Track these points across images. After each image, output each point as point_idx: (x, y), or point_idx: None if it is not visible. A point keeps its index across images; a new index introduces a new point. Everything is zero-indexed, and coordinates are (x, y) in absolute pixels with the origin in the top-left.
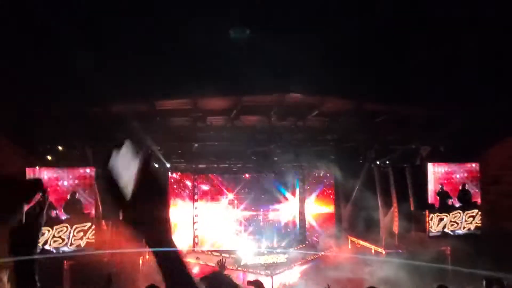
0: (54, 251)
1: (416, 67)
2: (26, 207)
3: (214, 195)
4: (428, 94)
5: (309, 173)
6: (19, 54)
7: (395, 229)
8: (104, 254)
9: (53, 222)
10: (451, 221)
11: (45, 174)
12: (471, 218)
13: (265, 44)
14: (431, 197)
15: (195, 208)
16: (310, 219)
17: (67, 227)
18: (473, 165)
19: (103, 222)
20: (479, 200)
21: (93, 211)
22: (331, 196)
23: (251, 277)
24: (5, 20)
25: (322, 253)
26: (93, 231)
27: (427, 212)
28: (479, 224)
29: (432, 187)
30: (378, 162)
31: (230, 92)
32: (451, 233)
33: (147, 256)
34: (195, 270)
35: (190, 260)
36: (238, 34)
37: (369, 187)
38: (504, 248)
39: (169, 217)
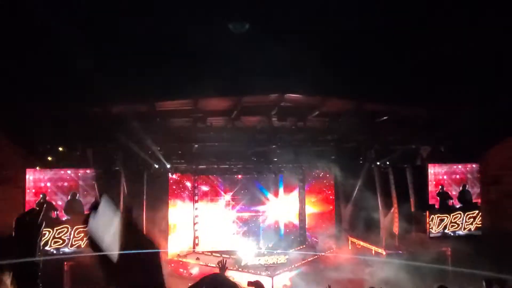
0: (55, 252)
1: (416, 67)
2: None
3: (214, 196)
4: (428, 94)
5: (309, 173)
6: (19, 54)
7: (396, 229)
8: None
9: (54, 223)
10: (451, 222)
11: (45, 175)
12: (472, 219)
13: (265, 44)
14: (432, 198)
15: (196, 209)
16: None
17: (67, 228)
18: (474, 165)
19: None
20: (479, 201)
21: None
22: (331, 197)
23: (252, 278)
24: (5, 20)
25: (323, 253)
26: None
27: (427, 213)
28: (480, 225)
29: (432, 187)
30: (378, 163)
31: (230, 93)
32: (452, 234)
33: None
34: (196, 271)
35: (190, 261)
36: (237, 28)
37: (369, 187)
38: (505, 249)
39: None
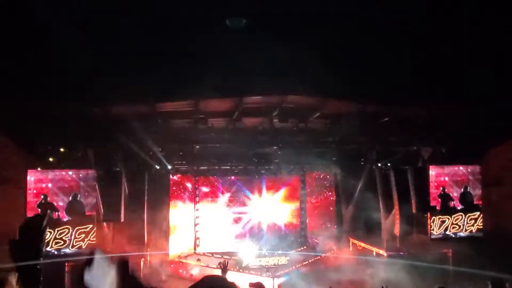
0: (56, 252)
1: (416, 67)
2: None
3: (214, 197)
4: (428, 94)
5: (310, 174)
6: (19, 54)
7: (397, 231)
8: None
9: (55, 224)
10: (452, 224)
11: (47, 176)
12: (473, 221)
13: (265, 45)
14: (433, 199)
15: (197, 209)
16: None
17: (68, 228)
18: (475, 167)
19: (105, 223)
20: (480, 202)
21: (94, 213)
22: (331, 198)
23: (253, 279)
24: (5, 20)
25: (324, 255)
26: (95, 233)
27: (428, 214)
28: (481, 227)
29: (433, 189)
30: (379, 164)
31: (232, 94)
32: (453, 236)
33: (148, 258)
34: (196, 272)
35: (191, 262)
36: (235, 24)
37: (370, 189)
38: (507, 250)
39: None
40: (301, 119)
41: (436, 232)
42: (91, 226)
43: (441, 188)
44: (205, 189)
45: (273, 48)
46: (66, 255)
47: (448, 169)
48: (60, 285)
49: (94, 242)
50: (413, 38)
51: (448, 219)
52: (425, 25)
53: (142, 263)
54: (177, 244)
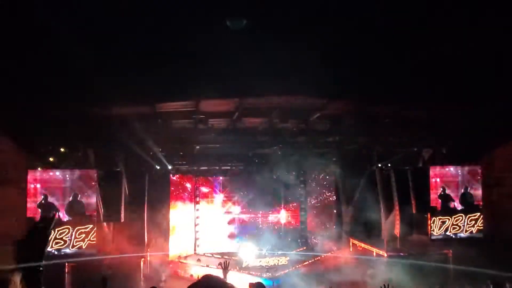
0: (56, 253)
1: (417, 68)
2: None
3: (214, 197)
4: (429, 95)
5: (311, 175)
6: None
7: (397, 232)
8: (105, 255)
9: (55, 224)
10: (453, 224)
11: (47, 176)
12: (473, 221)
13: (266, 46)
14: (433, 200)
15: (197, 210)
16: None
17: (68, 229)
18: (475, 167)
19: (105, 224)
20: (481, 203)
21: (95, 213)
22: (331, 199)
23: (253, 280)
24: (5, 20)
25: (324, 255)
26: (95, 233)
27: (429, 215)
28: (481, 227)
29: (434, 190)
30: (380, 165)
31: (232, 94)
32: (453, 236)
33: (148, 258)
34: (196, 272)
35: (191, 262)
36: (235, 25)
37: (370, 189)
38: (507, 251)
39: None
40: (301, 119)
41: (437, 232)
42: (91, 226)
43: (442, 189)
44: (205, 190)
45: (273, 48)
46: (66, 255)
47: (449, 169)
48: (60, 285)
49: (94, 242)
50: (413, 38)
51: (449, 219)
52: (425, 25)
53: (142, 263)
54: (177, 244)
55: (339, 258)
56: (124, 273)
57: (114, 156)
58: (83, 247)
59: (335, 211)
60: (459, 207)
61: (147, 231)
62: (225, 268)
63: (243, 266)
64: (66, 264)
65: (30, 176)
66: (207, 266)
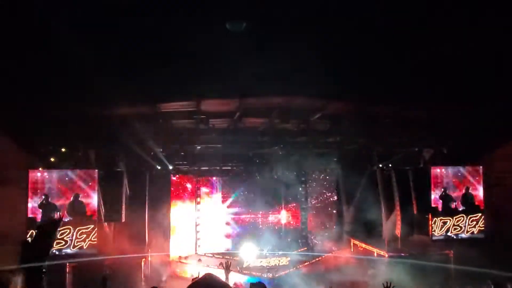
0: (57, 253)
1: (417, 68)
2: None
3: (214, 197)
4: (429, 95)
5: (312, 175)
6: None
7: (398, 232)
8: (106, 256)
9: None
10: (454, 225)
11: (48, 176)
12: (475, 222)
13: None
14: (434, 200)
15: (198, 210)
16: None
17: (70, 229)
18: (477, 167)
19: (106, 224)
20: (482, 204)
21: (95, 213)
22: (331, 199)
23: (254, 280)
24: (5, 20)
25: (324, 255)
26: (96, 233)
27: (430, 216)
28: (483, 228)
29: (435, 190)
30: (380, 165)
31: (233, 94)
32: (454, 237)
33: (149, 258)
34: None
35: (192, 262)
36: (235, 27)
37: (371, 190)
38: (508, 251)
39: None
40: (302, 119)
41: (438, 233)
42: (92, 226)
43: (443, 189)
44: (205, 190)
45: (273, 49)
46: (67, 255)
47: (450, 170)
48: (61, 286)
49: (95, 242)
50: (413, 38)
51: (450, 220)
52: (425, 25)
53: (143, 263)
54: (178, 245)
55: (339, 258)
56: (125, 273)
57: (115, 156)
58: (84, 247)
59: (335, 211)
60: (460, 207)
61: (148, 231)
62: (227, 268)
63: (244, 266)
64: (67, 264)
65: (31, 176)
66: (208, 266)
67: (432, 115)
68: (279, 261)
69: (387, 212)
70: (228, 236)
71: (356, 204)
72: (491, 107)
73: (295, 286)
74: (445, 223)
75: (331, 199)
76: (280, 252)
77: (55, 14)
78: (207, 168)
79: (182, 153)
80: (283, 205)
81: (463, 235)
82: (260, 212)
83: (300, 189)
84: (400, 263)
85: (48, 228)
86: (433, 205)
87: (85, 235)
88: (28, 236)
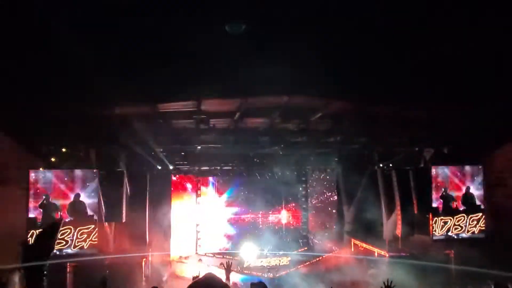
0: (58, 253)
1: (417, 68)
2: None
3: (216, 197)
4: (429, 95)
5: (312, 175)
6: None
7: (398, 232)
8: (107, 256)
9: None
10: (455, 225)
11: (49, 176)
12: (475, 222)
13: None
14: (435, 200)
15: (198, 210)
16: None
17: (70, 229)
18: (477, 167)
19: (106, 224)
20: (483, 203)
21: (96, 213)
22: (331, 199)
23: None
24: (5, 20)
25: (325, 255)
26: (96, 233)
27: (430, 215)
28: (483, 228)
29: (435, 190)
30: (381, 165)
31: (233, 94)
32: (455, 237)
33: (150, 258)
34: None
35: (192, 262)
36: (234, 29)
37: (372, 189)
38: (509, 251)
39: None
40: (302, 119)
41: (438, 233)
42: (93, 226)
43: (443, 189)
44: (206, 190)
45: (274, 49)
46: (68, 255)
47: (451, 169)
48: (62, 286)
49: (95, 242)
50: (413, 38)
51: (450, 220)
52: (425, 25)
53: (143, 263)
54: (179, 245)
55: (340, 258)
56: (126, 273)
57: (116, 156)
58: (85, 247)
59: (336, 211)
60: (460, 207)
61: (148, 231)
62: (228, 268)
63: (245, 266)
64: (68, 264)
65: (32, 176)
66: (208, 266)
67: (432, 115)
68: (280, 261)
69: (388, 212)
70: (228, 236)
71: (356, 204)
72: (491, 107)
73: (296, 286)
74: (445, 223)
75: (332, 199)
76: (281, 252)
77: (55, 14)
78: (207, 168)
79: (183, 153)
80: (283, 205)
81: (464, 235)
82: (261, 212)
83: (301, 189)
84: (400, 263)
85: (49, 230)
86: (433, 205)
87: (85, 235)
88: (29, 236)
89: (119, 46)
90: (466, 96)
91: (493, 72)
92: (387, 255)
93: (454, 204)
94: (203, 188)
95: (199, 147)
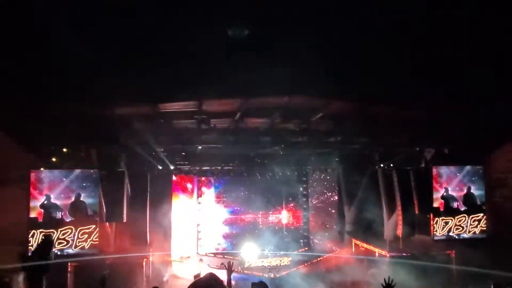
0: (59, 253)
1: (417, 68)
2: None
3: (216, 197)
4: (429, 95)
5: (313, 175)
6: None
7: (399, 232)
8: (107, 256)
9: (58, 224)
10: (456, 225)
11: (50, 176)
12: (476, 222)
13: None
14: (436, 200)
15: (199, 210)
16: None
17: (71, 229)
18: (479, 167)
19: (107, 224)
20: (484, 203)
21: (97, 213)
22: (332, 199)
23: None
24: (5, 20)
25: (326, 255)
26: (97, 233)
27: (431, 216)
28: (484, 228)
29: (436, 190)
30: (382, 165)
31: (234, 95)
32: (456, 237)
33: (150, 258)
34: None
35: (193, 262)
36: (236, 34)
37: (373, 190)
38: (510, 251)
39: None
40: (303, 120)
41: (439, 233)
42: (93, 226)
43: (444, 189)
44: (206, 190)
45: (273, 48)
46: (69, 255)
47: (452, 169)
48: (63, 286)
49: (96, 242)
50: (413, 38)
51: (451, 220)
52: (425, 25)
53: (144, 263)
54: (179, 245)
55: (341, 258)
56: (126, 273)
57: (117, 156)
58: (86, 247)
59: (335, 211)
60: (462, 207)
61: (149, 231)
62: (229, 268)
63: (245, 266)
64: (69, 264)
65: (33, 176)
66: (209, 266)
67: (432, 115)
68: (281, 261)
69: (389, 212)
70: (229, 236)
71: (357, 204)
72: (491, 107)
73: (297, 286)
74: (446, 223)
75: (332, 199)
76: (282, 252)
77: (55, 14)
78: (208, 168)
79: (183, 153)
80: (284, 205)
81: (465, 235)
82: (261, 212)
83: (301, 189)
84: (401, 263)
85: (40, 248)
86: (434, 205)
87: (86, 235)
88: (29, 236)
89: (119, 46)
90: (466, 96)
91: (493, 72)
92: (388, 255)
93: (455, 204)
94: (203, 188)
95: (200, 147)
